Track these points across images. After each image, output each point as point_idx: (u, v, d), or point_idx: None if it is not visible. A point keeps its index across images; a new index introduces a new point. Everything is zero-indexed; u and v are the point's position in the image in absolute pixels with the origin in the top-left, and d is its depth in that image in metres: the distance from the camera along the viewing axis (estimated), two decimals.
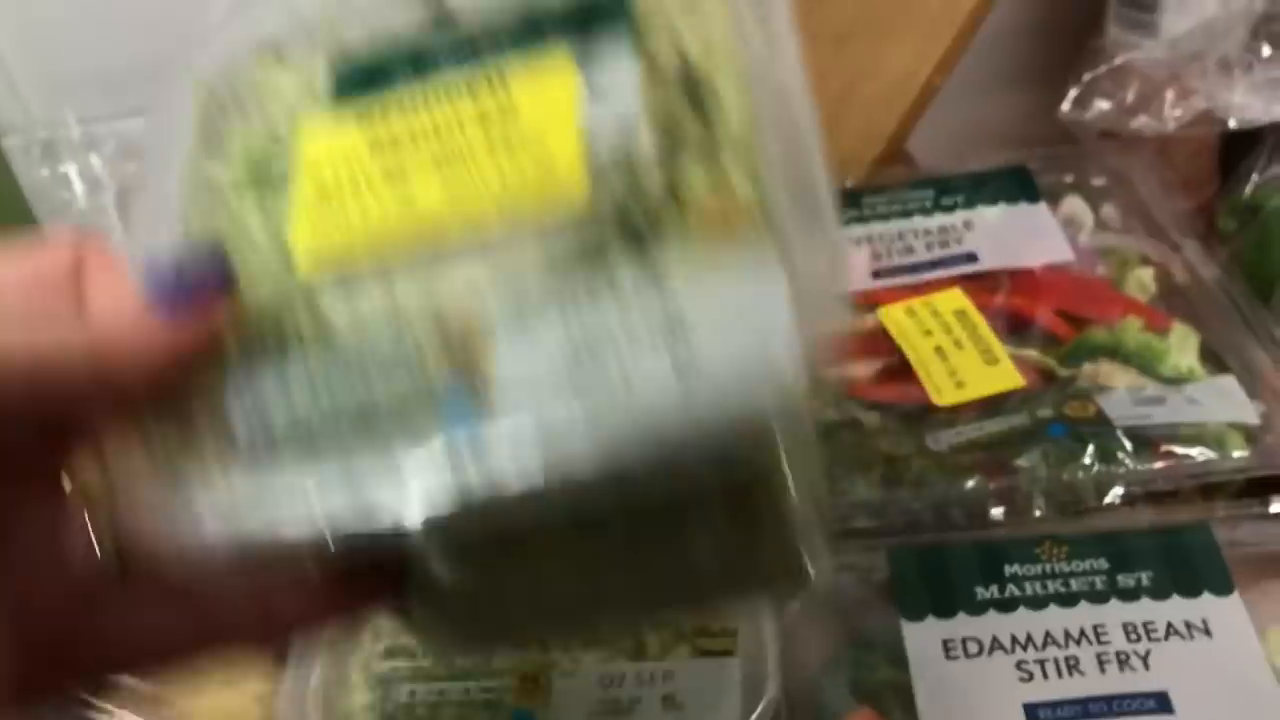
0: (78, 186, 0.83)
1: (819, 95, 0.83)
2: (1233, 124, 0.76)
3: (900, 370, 0.70)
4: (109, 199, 0.83)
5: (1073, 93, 0.84)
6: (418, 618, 0.38)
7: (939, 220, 0.78)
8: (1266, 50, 0.76)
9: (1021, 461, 0.63)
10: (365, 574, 0.33)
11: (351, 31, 0.38)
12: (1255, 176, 0.81)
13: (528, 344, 0.30)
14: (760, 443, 0.32)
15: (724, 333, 0.29)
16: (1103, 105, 0.83)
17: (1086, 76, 0.83)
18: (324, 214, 0.33)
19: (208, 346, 0.30)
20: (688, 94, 0.34)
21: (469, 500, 0.29)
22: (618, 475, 0.29)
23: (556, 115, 0.33)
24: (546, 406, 0.29)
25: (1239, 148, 0.84)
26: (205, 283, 0.29)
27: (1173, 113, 0.79)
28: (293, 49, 0.38)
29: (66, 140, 0.83)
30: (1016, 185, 0.80)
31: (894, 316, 0.72)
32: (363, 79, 0.36)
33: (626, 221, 0.31)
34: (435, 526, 0.29)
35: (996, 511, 0.61)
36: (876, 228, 0.79)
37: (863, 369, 0.71)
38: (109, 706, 0.58)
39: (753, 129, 0.32)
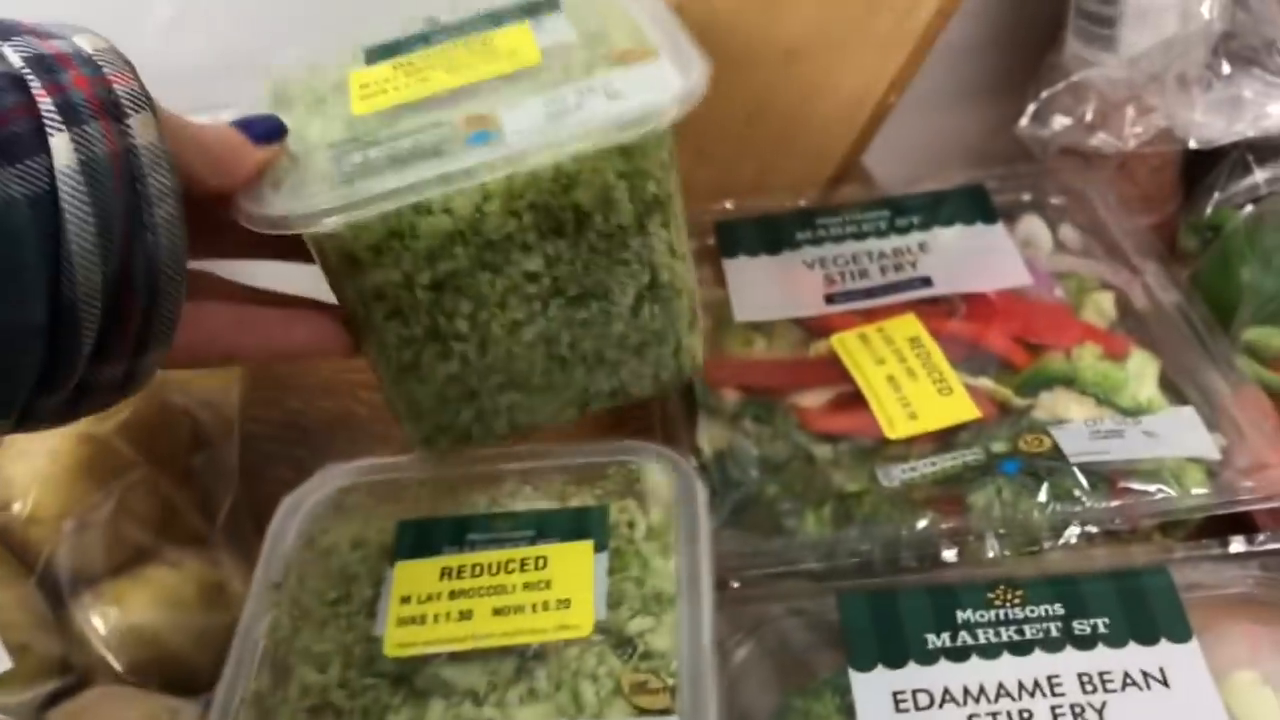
0: None
1: (770, 113, 0.81)
2: (1193, 144, 0.74)
3: (852, 400, 0.68)
4: None
5: (1031, 108, 0.83)
6: (389, 370, 0.57)
7: (894, 242, 0.76)
8: (1226, 68, 0.74)
9: (975, 499, 0.61)
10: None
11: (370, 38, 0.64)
12: (1216, 194, 0.79)
13: (521, 113, 0.53)
14: (652, 143, 0.53)
15: (645, 90, 0.52)
16: (1062, 121, 0.81)
17: (1045, 93, 0.81)
18: (368, 100, 0.58)
19: (274, 155, 0.53)
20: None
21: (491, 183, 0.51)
22: (568, 166, 0.52)
23: None
24: (536, 128, 0.52)
25: (1202, 163, 0.82)
26: (269, 123, 0.53)
27: (1133, 130, 0.78)
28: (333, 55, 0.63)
29: None
30: (973, 205, 0.77)
31: (847, 343, 0.70)
32: (386, 52, 0.62)
33: (584, 61, 0.56)
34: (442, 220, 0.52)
35: (949, 554, 0.59)
36: (830, 250, 0.76)
37: (814, 398, 0.69)
38: None
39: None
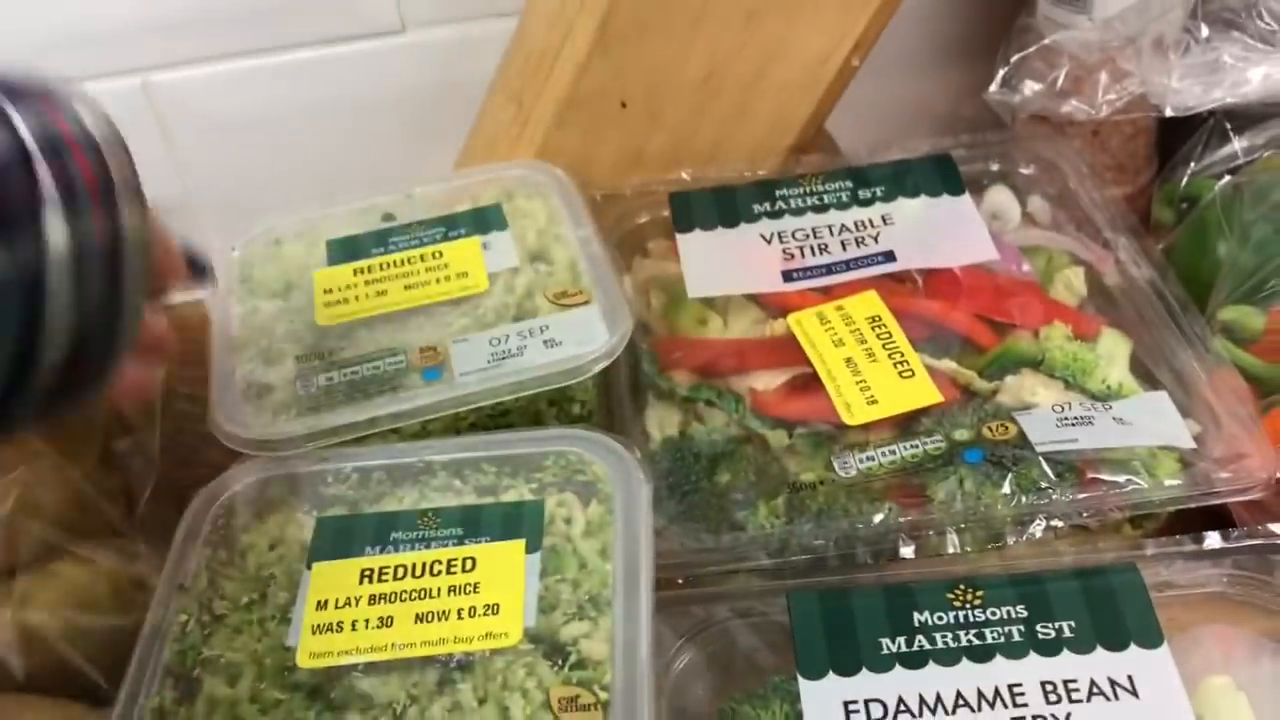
0: None
1: (727, 78, 0.77)
2: (1169, 111, 0.70)
3: (809, 383, 0.64)
4: None
5: (1001, 73, 0.79)
6: None
7: (856, 214, 0.72)
8: (1205, 31, 0.70)
9: (936, 490, 0.57)
10: None
11: (332, 229, 0.70)
12: (1192, 164, 0.76)
13: (469, 351, 0.60)
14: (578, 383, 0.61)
15: (577, 340, 0.60)
16: (1033, 87, 0.77)
17: (1015, 56, 0.77)
18: (331, 309, 0.65)
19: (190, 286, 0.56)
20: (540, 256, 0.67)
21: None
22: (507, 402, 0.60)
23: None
24: (480, 368, 0.60)
25: (1177, 132, 0.79)
26: (204, 266, 0.55)
27: (1106, 96, 0.74)
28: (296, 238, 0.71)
29: None
30: (939, 176, 0.74)
31: (804, 324, 0.66)
32: (347, 251, 0.68)
33: (526, 289, 0.65)
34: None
35: (907, 550, 0.56)
36: (789, 223, 0.72)
37: (770, 380, 0.65)
38: None
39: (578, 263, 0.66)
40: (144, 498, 0.66)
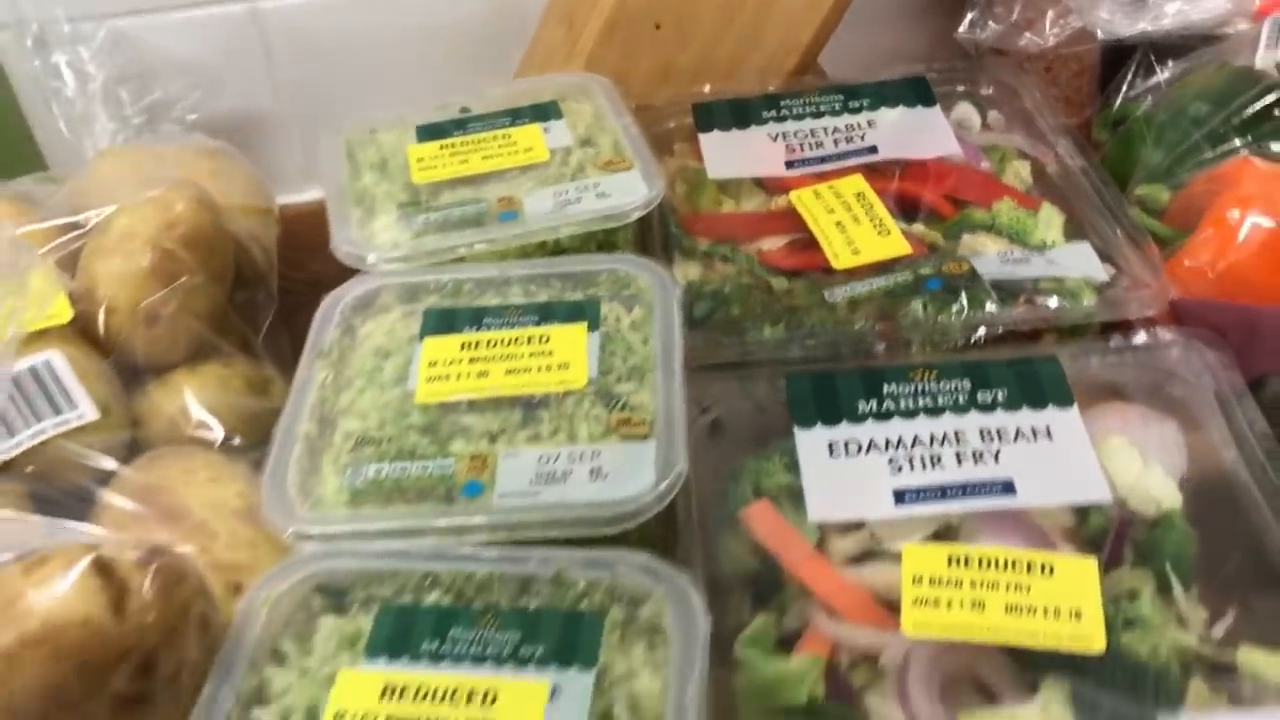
0: (67, 76, 0.90)
1: (743, 6, 0.93)
2: (1100, 35, 0.86)
3: (807, 244, 0.80)
4: (96, 88, 0.91)
5: (970, 15, 0.95)
6: None
7: (846, 120, 0.88)
8: None
9: (904, 311, 0.73)
10: None
11: (418, 119, 0.85)
12: (1124, 90, 0.92)
13: (537, 200, 0.77)
14: (620, 234, 0.78)
15: (622, 193, 0.76)
16: (994, 27, 0.93)
17: None
18: (423, 172, 0.80)
19: None
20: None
21: None
22: (565, 241, 0.76)
23: None
24: (546, 213, 0.76)
25: (1117, 69, 0.95)
26: None
27: (1052, 30, 0.90)
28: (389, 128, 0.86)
29: (56, 33, 0.91)
30: (915, 92, 0.90)
31: (803, 198, 0.82)
32: (434, 133, 0.83)
33: (580, 162, 0.80)
34: None
35: (880, 348, 0.71)
36: (791, 125, 0.88)
37: (774, 242, 0.81)
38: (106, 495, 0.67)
39: None
40: (266, 324, 0.81)
